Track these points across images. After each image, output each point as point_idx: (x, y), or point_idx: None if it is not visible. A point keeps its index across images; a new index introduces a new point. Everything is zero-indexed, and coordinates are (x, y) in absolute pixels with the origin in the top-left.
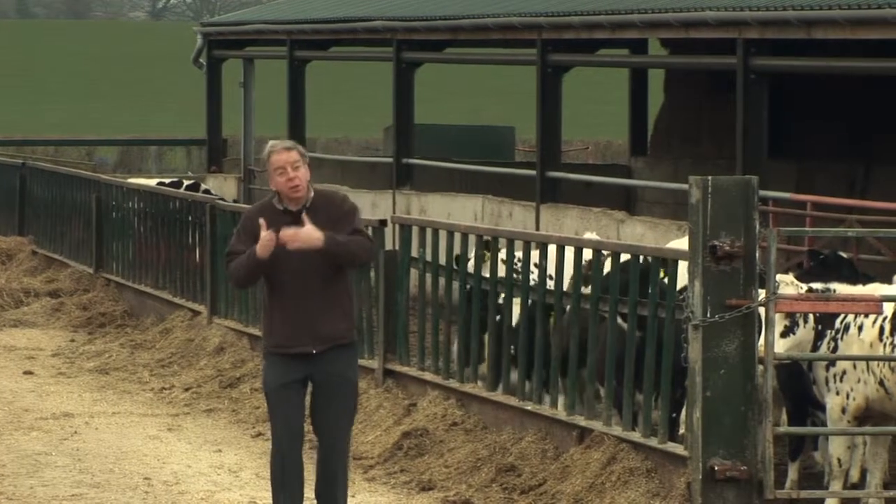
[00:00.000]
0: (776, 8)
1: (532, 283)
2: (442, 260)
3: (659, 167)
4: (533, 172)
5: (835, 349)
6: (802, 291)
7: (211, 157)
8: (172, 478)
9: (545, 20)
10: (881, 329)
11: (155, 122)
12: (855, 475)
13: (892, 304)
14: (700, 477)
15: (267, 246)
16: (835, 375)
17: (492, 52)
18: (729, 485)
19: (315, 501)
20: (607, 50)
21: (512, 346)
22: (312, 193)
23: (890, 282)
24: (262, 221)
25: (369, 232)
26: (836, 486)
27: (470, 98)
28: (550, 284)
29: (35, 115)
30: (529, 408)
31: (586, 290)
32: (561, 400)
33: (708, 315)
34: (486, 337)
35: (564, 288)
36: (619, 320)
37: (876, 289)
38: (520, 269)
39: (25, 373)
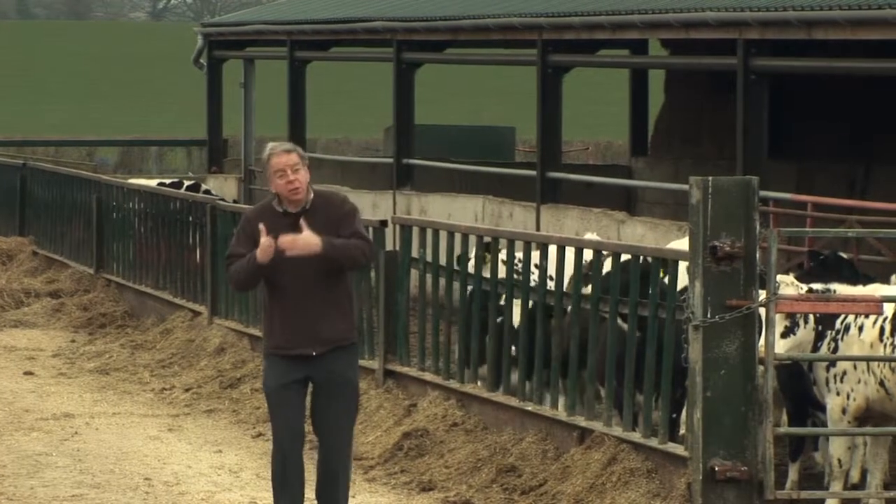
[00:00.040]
0: (776, 8)
1: (532, 283)
2: (442, 260)
3: (659, 168)
4: (533, 173)
5: (835, 350)
6: (803, 292)
7: (211, 158)
8: (173, 478)
9: (545, 21)
10: (881, 329)
11: (155, 122)
12: (855, 476)
13: (893, 304)
14: (700, 477)
15: (266, 252)
16: (835, 376)
17: (492, 53)
18: (729, 485)
19: (316, 502)
20: (608, 50)
21: (513, 347)
22: (312, 195)
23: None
24: (261, 227)
25: (370, 233)
26: (836, 486)
27: (470, 98)
28: (551, 285)
29: (35, 116)
30: (530, 408)
31: (587, 291)
32: (561, 400)
33: (708, 315)
34: (488, 339)
35: (565, 288)
36: (619, 321)
37: (876, 289)
38: (520, 270)
39: (26, 373)
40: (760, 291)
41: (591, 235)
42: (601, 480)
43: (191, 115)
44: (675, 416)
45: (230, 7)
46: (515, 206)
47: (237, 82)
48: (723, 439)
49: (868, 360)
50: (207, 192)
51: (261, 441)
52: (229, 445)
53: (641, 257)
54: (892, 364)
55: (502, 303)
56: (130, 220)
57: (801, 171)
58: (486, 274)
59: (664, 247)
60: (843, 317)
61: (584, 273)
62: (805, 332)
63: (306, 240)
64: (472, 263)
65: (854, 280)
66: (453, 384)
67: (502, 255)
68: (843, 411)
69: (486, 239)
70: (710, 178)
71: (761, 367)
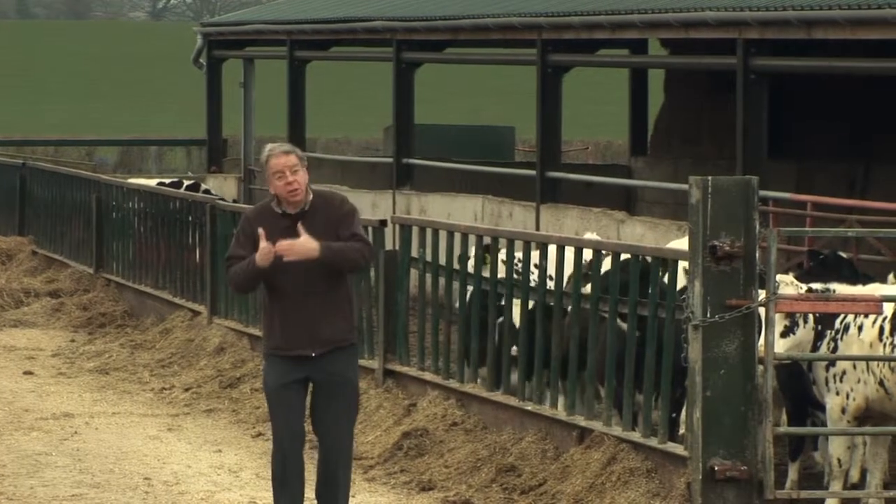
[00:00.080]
0: (776, 8)
1: (532, 283)
2: (442, 260)
3: (659, 167)
4: (533, 172)
5: (835, 349)
6: (802, 292)
7: (211, 158)
8: (172, 478)
9: (545, 20)
10: (881, 329)
11: (155, 122)
12: (855, 475)
13: (892, 304)
14: (700, 477)
15: (265, 257)
16: (835, 375)
17: (492, 53)
18: (729, 485)
19: (315, 502)
20: (607, 50)
21: (514, 347)
22: (311, 196)
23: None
24: (261, 231)
25: (369, 232)
26: (836, 486)
27: (470, 98)
28: (551, 285)
29: (35, 115)
30: (529, 408)
31: (587, 291)
32: (561, 400)
33: (708, 315)
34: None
35: (564, 288)
36: (619, 321)
37: (876, 289)
38: (520, 270)
39: (25, 373)
40: (760, 291)
41: (590, 235)
42: (601, 480)
43: (190, 114)
44: (674, 415)
45: (230, 7)
46: (515, 206)
47: (237, 82)
48: (722, 439)
49: (867, 359)
50: (207, 191)
51: (260, 441)
52: (229, 445)
53: (641, 257)
54: (892, 364)
55: (502, 303)
56: (130, 220)
57: (801, 170)
58: (486, 275)
59: (664, 246)
60: (842, 316)
61: (584, 273)
62: (804, 332)
63: (304, 244)
64: (471, 263)
65: (854, 280)
66: (453, 384)
67: (502, 256)
68: (843, 411)
69: (486, 241)
70: (710, 177)
71: (761, 367)
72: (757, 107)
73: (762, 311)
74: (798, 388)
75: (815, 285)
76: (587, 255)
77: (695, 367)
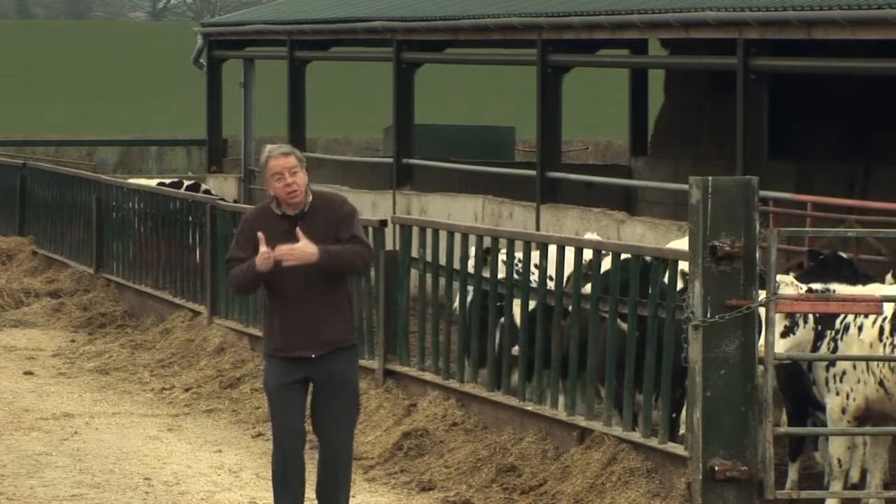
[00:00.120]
0: (776, 8)
1: (533, 284)
2: (442, 260)
3: (659, 167)
4: (533, 173)
5: (835, 349)
6: (802, 292)
7: (211, 158)
8: (173, 478)
9: (545, 20)
10: (881, 329)
11: (155, 122)
12: (855, 475)
13: (892, 304)
14: (700, 477)
15: (265, 262)
16: (835, 376)
17: (492, 53)
18: (729, 485)
19: (316, 502)
20: (607, 50)
21: (515, 347)
22: (311, 197)
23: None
24: (260, 235)
25: (370, 233)
26: (836, 486)
27: (470, 98)
28: (551, 285)
29: (35, 116)
30: (530, 408)
31: (586, 290)
32: (561, 400)
33: (708, 315)
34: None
35: (564, 288)
36: (619, 321)
37: (876, 289)
38: (520, 270)
39: (26, 373)
40: (760, 291)
41: (591, 235)
42: (601, 480)
43: (191, 114)
44: (674, 415)
45: (230, 7)
46: (515, 206)
47: (237, 82)
48: (723, 439)
49: (867, 359)
50: (207, 191)
51: (261, 441)
52: (229, 445)
53: (641, 257)
54: (892, 364)
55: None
56: (130, 220)
57: (801, 170)
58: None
59: (664, 247)
60: (842, 316)
61: (584, 273)
62: (804, 332)
63: (303, 249)
64: (471, 263)
65: (854, 280)
66: (453, 384)
67: (502, 256)
68: (843, 411)
69: (486, 244)
70: (710, 177)
71: (761, 367)
72: (757, 107)
73: (762, 311)
74: (798, 388)
75: (816, 285)
76: (587, 255)
77: (695, 367)
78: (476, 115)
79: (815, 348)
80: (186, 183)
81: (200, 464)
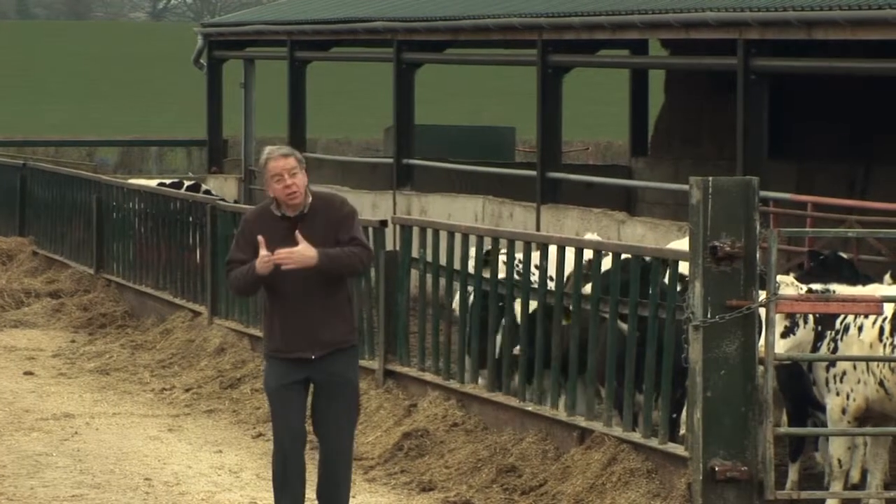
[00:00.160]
0: (777, 8)
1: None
2: (443, 261)
3: (659, 168)
4: (533, 173)
5: (835, 350)
6: (802, 292)
7: (211, 158)
8: (173, 478)
9: (546, 21)
10: (881, 330)
11: (155, 122)
12: (855, 476)
13: (892, 304)
14: (700, 477)
15: (265, 265)
16: (835, 376)
17: (492, 53)
18: (729, 485)
19: (316, 502)
20: (608, 50)
21: (516, 347)
22: (310, 198)
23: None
24: (260, 239)
25: (370, 233)
26: (836, 486)
27: (470, 99)
28: (551, 286)
29: (35, 116)
30: (530, 408)
31: (586, 291)
32: (561, 400)
33: (708, 316)
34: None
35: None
36: (619, 321)
37: (876, 289)
38: (521, 271)
39: (26, 373)
40: (760, 291)
41: (591, 235)
42: (601, 480)
43: (191, 115)
44: (675, 416)
45: (230, 7)
46: (515, 207)
47: (237, 82)
48: (723, 439)
49: (867, 360)
50: (207, 192)
51: (261, 441)
52: (229, 445)
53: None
54: (892, 364)
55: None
56: (130, 221)
57: (801, 171)
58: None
59: (664, 247)
60: (842, 317)
61: (584, 273)
62: (805, 333)
63: (302, 253)
64: (472, 264)
65: (854, 280)
66: (453, 384)
67: (503, 258)
68: (843, 411)
69: (487, 244)
70: (710, 178)
71: (761, 368)
72: (757, 107)
73: (762, 311)
74: (798, 388)
75: (816, 286)
76: (587, 255)
77: (695, 367)
78: (476, 115)
79: (815, 349)
80: (187, 183)
81: (201, 464)
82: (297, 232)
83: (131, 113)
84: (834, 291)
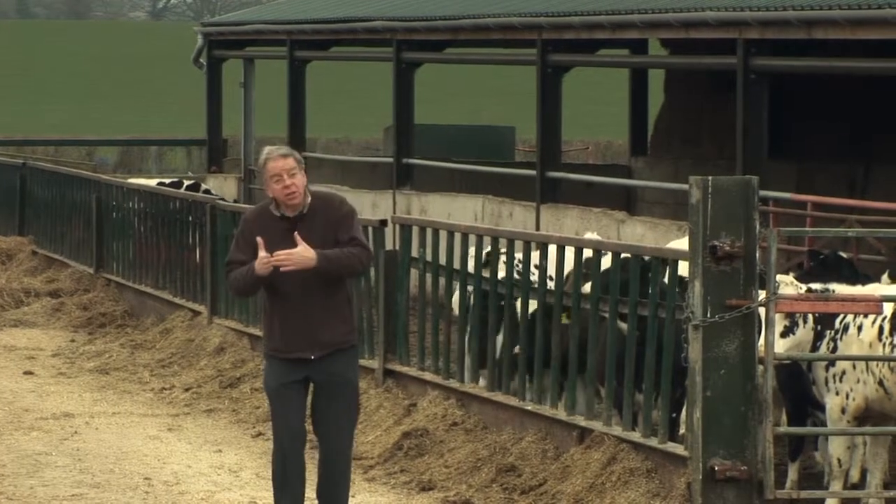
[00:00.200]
0: (776, 8)
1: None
2: (442, 260)
3: (659, 167)
4: (533, 172)
5: (834, 349)
6: (802, 292)
7: (211, 158)
8: (173, 478)
9: (545, 20)
10: (880, 329)
11: (155, 122)
12: (855, 475)
13: (892, 303)
14: (700, 477)
15: (264, 267)
16: (834, 376)
17: (492, 53)
18: (729, 485)
19: (316, 502)
20: (607, 50)
21: (516, 347)
22: (310, 198)
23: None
24: (260, 241)
25: (369, 232)
26: (836, 486)
27: (470, 98)
28: (551, 285)
29: (35, 115)
30: (530, 408)
31: (586, 290)
32: (561, 400)
33: (708, 315)
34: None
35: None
36: (619, 321)
37: (876, 289)
38: (521, 270)
39: (26, 373)
40: (760, 291)
41: (591, 235)
42: (601, 480)
43: (191, 114)
44: (674, 415)
45: (230, 7)
46: (515, 206)
47: (237, 82)
48: (722, 439)
49: (867, 359)
50: (207, 191)
51: (261, 440)
52: (229, 445)
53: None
54: (891, 364)
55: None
56: (130, 220)
57: (801, 170)
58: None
59: (664, 246)
60: (841, 316)
61: (583, 273)
62: (804, 332)
63: (302, 254)
64: (471, 263)
65: (854, 280)
66: (453, 384)
67: (503, 258)
68: (843, 411)
69: (486, 244)
70: (710, 177)
71: (761, 367)
72: (757, 107)
73: (762, 311)
74: (798, 388)
75: (815, 285)
76: (587, 255)
77: (695, 367)
78: (476, 115)
79: (814, 348)
80: (186, 183)
81: (200, 463)
82: (295, 233)
83: (131, 112)
84: (833, 291)
